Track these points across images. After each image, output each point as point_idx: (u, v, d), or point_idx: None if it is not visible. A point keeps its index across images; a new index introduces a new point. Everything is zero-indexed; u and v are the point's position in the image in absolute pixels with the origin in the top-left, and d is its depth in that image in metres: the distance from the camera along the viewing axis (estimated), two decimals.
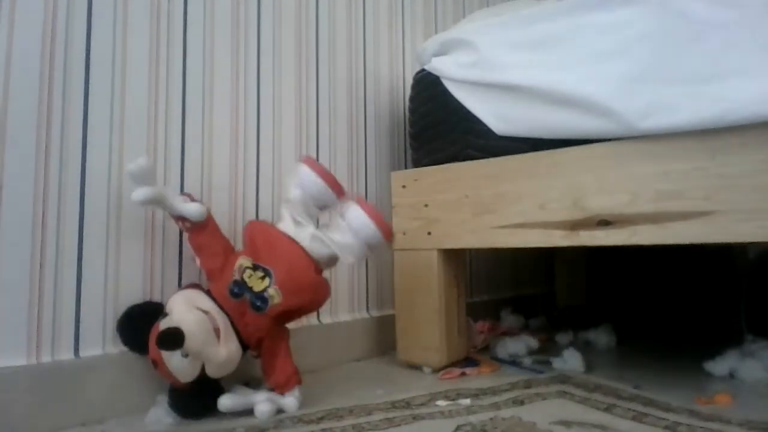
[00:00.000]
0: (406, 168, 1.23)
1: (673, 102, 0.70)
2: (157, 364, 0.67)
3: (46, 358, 0.66)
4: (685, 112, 0.69)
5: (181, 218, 0.74)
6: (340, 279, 1.06)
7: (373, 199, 1.16)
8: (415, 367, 0.97)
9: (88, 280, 0.70)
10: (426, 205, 0.99)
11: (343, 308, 1.06)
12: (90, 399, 0.68)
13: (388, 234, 0.83)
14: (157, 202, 0.70)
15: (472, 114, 0.92)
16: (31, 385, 0.63)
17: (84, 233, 0.70)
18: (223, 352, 0.68)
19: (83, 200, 0.71)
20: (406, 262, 1.01)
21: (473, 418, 0.68)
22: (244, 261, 0.73)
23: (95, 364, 0.69)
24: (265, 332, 0.73)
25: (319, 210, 0.83)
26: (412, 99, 1.06)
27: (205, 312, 0.69)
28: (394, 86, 1.24)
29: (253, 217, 0.91)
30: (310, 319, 0.99)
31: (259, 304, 0.71)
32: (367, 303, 1.12)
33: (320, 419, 0.69)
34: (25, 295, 0.65)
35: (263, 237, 0.75)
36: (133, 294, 0.74)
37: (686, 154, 0.71)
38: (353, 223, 0.80)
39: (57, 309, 0.67)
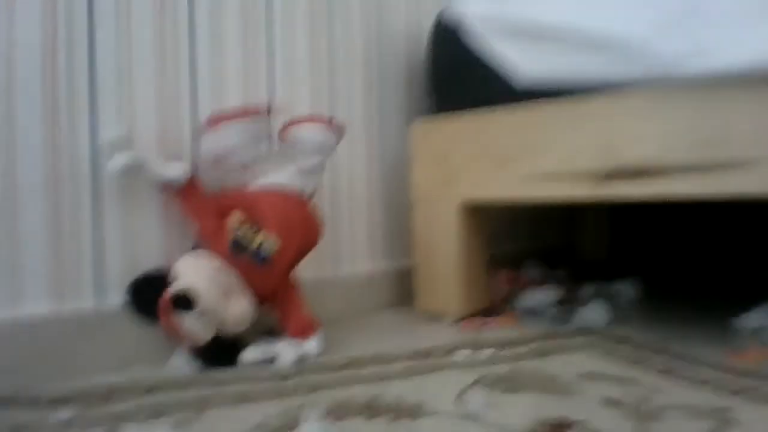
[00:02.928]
0: (427, 117, 1.19)
1: (714, 44, 0.65)
2: (171, 328, 0.66)
3: (70, 306, 0.67)
4: (728, 54, 0.64)
5: (167, 183, 0.71)
6: (357, 229, 1.05)
7: (392, 151, 1.12)
8: (436, 317, 0.97)
9: (105, 237, 0.70)
10: (446, 156, 0.96)
11: (362, 258, 1.05)
12: (117, 344, 0.69)
13: (340, 129, 0.83)
14: (136, 168, 0.69)
15: (496, 60, 0.87)
16: (60, 329, 0.65)
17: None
18: (236, 308, 0.68)
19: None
20: (426, 214, 0.99)
21: (494, 369, 0.67)
22: (237, 216, 0.72)
23: (118, 312, 0.69)
24: (275, 284, 0.73)
25: (257, 146, 0.78)
26: (430, 46, 1.01)
27: (213, 271, 0.68)
28: (411, 33, 1.17)
29: None
30: (327, 270, 0.98)
31: (260, 257, 0.70)
32: (386, 253, 1.11)
33: (342, 367, 0.69)
34: (49, 254, 0.65)
35: (241, 197, 0.74)
36: (148, 249, 0.74)
37: (728, 100, 0.66)
38: (311, 139, 0.79)
39: (78, 264, 0.68)
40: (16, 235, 0.63)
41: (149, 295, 0.68)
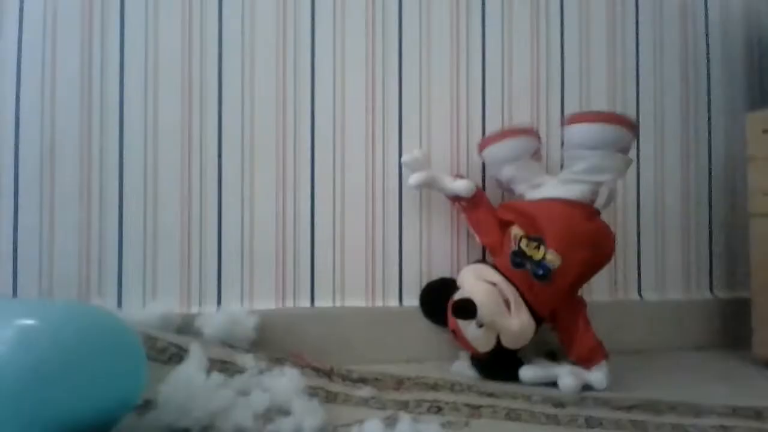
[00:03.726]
0: None
1: None
2: (455, 334, 0.71)
3: (378, 303, 0.80)
4: None
5: (455, 198, 0.77)
6: (667, 248, 0.89)
7: (717, 150, 0.91)
8: None
9: (406, 245, 0.81)
10: None
11: (675, 284, 0.89)
12: (411, 341, 0.78)
13: (621, 120, 0.68)
14: (429, 184, 0.76)
15: None
16: (367, 322, 0.78)
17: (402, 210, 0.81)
18: (515, 323, 0.67)
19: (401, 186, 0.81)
20: None
21: None
22: (517, 231, 0.71)
23: (414, 313, 0.79)
24: (558, 303, 0.69)
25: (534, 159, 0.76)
26: None
27: (493, 284, 0.69)
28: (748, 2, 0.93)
29: None
30: (628, 293, 0.87)
31: (541, 272, 0.67)
32: (711, 281, 0.90)
33: (631, 408, 0.60)
34: (366, 257, 0.80)
35: (521, 210, 0.72)
36: (440, 258, 0.81)
37: None
38: (576, 140, 0.70)
39: (386, 267, 0.80)
40: (342, 246, 0.79)
41: (437, 300, 0.75)
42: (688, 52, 0.90)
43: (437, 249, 0.82)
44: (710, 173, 0.91)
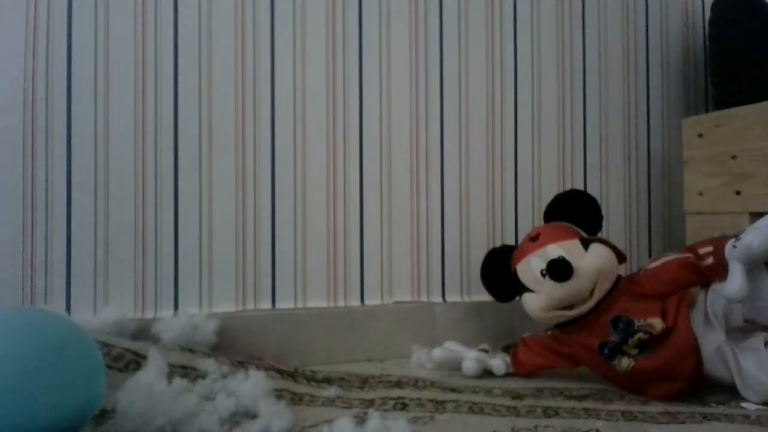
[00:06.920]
0: (707, 112, 0.99)
1: None
2: None
3: (340, 303, 0.80)
4: None
5: None
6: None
7: (659, 155, 0.97)
8: None
9: (368, 244, 0.81)
10: (733, 157, 0.78)
11: None
12: (372, 340, 0.79)
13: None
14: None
15: None
16: (330, 323, 0.77)
17: None
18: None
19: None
20: (704, 229, 0.82)
21: None
22: None
23: (376, 312, 0.79)
24: None
25: None
26: (713, 22, 0.84)
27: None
28: (687, 8, 1.00)
29: None
30: None
31: None
32: None
33: (584, 397, 0.63)
34: (325, 256, 0.79)
35: None
36: (401, 257, 0.82)
37: None
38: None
39: (348, 267, 0.80)
40: (303, 246, 0.78)
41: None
42: (629, 58, 0.96)
43: (398, 249, 0.82)
44: (649, 175, 0.97)
